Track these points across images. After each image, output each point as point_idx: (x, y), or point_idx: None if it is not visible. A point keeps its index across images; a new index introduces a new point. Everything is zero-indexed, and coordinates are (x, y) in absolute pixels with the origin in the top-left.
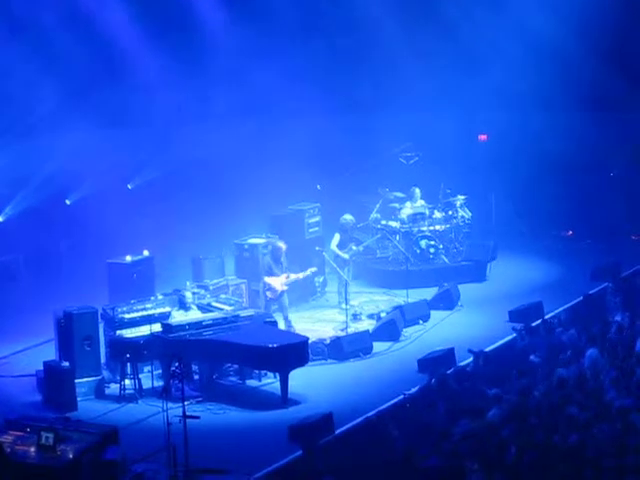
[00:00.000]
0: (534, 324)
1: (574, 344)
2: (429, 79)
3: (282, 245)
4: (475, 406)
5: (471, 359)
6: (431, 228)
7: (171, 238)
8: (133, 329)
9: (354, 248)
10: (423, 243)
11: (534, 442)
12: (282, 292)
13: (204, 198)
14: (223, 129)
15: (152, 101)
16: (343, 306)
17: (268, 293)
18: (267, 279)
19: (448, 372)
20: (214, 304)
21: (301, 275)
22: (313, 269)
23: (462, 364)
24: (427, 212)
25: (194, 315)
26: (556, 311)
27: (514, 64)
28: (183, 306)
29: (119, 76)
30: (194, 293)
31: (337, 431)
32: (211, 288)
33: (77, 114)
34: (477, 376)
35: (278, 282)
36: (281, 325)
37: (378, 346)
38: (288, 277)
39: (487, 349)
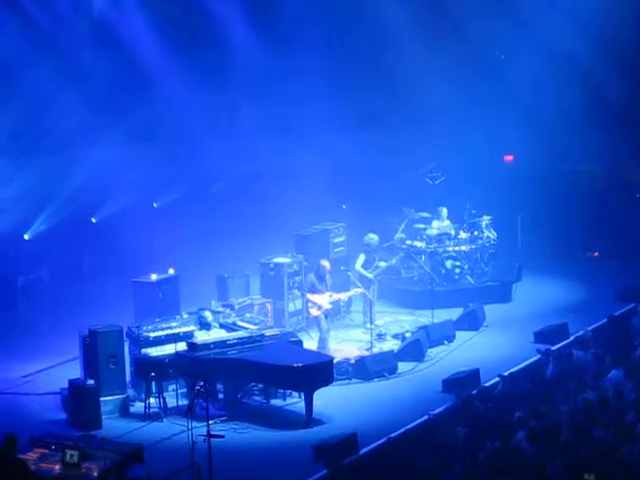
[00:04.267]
0: (553, 348)
1: (594, 366)
2: (456, 99)
3: (326, 264)
4: (501, 428)
5: (496, 379)
6: (456, 248)
7: (196, 257)
8: (158, 347)
9: (382, 264)
10: (449, 263)
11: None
12: (327, 310)
13: (230, 216)
14: (249, 147)
15: (178, 118)
16: (368, 326)
17: (312, 310)
18: (310, 296)
19: (473, 392)
20: (239, 323)
21: (344, 296)
22: (360, 290)
23: (487, 384)
24: (453, 232)
25: (216, 334)
26: (579, 333)
27: (541, 84)
28: (204, 326)
29: (146, 92)
30: (215, 312)
31: (361, 451)
32: (236, 307)
33: (103, 131)
34: (504, 398)
35: (324, 300)
36: (314, 343)
37: (403, 366)
38: (332, 296)
39: (512, 370)
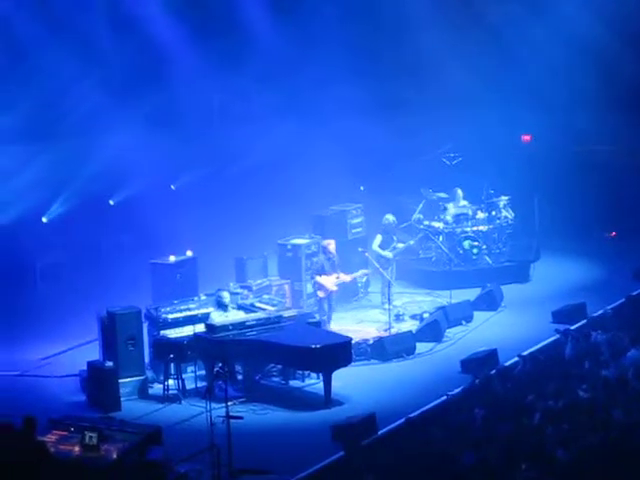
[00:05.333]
0: (572, 328)
1: (613, 345)
2: (472, 80)
3: (328, 243)
4: (516, 410)
5: (515, 359)
6: (474, 228)
7: (214, 238)
8: (176, 329)
9: (400, 246)
10: (466, 244)
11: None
12: (331, 292)
13: (248, 198)
14: (267, 130)
15: (196, 101)
16: (386, 306)
17: (319, 292)
18: (318, 278)
19: (492, 373)
20: (257, 304)
21: (349, 277)
22: (366, 271)
23: (506, 364)
24: (470, 213)
25: (233, 315)
26: (597, 313)
27: (558, 65)
28: (221, 307)
29: (163, 76)
30: (233, 293)
31: (380, 431)
32: (254, 288)
33: (121, 114)
34: (522, 379)
35: (329, 282)
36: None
37: (421, 347)
38: (338, 277)
39: (531, 350)
